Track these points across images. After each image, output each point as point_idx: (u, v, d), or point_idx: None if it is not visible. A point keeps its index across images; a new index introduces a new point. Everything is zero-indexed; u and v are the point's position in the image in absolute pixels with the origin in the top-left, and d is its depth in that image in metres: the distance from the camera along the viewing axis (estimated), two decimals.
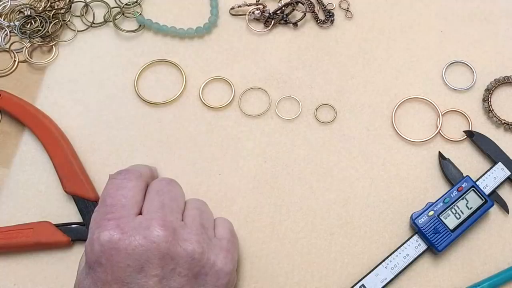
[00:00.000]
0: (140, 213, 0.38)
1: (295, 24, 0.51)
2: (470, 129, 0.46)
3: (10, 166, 0.47)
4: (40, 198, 0.46)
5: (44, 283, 0.43)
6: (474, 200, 0.42)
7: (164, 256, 0.35)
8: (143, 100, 0.49)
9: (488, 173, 0.43)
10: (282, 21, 0.51)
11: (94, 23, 0.52)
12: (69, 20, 0.52)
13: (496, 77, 0.47)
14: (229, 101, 0.48)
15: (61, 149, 0.46)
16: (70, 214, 0.45)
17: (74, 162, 0.46)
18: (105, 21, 0.52)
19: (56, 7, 0.52)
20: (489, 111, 0.46)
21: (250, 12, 0.51)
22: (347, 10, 0.51)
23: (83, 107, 0.49)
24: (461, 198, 0.42)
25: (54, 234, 0.44)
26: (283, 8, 0.51)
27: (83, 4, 0.53)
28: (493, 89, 0.47)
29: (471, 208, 0.42)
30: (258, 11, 0.51)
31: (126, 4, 0.53)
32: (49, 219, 0.44)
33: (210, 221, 0.40)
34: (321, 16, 0.51)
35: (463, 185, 0.42)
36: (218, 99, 0.49)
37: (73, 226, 0.44)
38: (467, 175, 0.43)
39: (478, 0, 0.51)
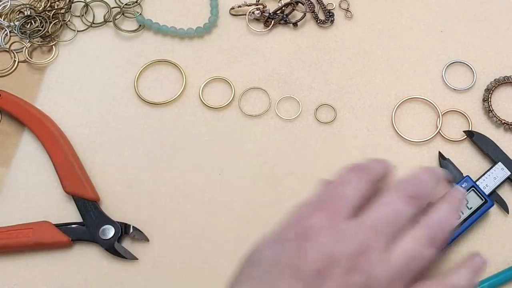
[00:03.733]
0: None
1: (295, 24, 0.51)
2: (470, 129, 0.46)
3: (10, 166, 0.47)
4: (40, 198, 0.46)
5: (44, 283, 0.43)
6: (474, 200, 0.42)
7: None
8: (143, 100, 0.49)
9: (488, 173, 0.43)
10: (282, 21, 0.51)
11: (94, 23, 0.52)
12: (69, 20, 0.52)
13: (496, 77, 0.47)
14: (229, 101, 0.48)
15: (61, 149, 0.46)
16: (70, 214, 0.45)
17: (74, 162, 0.46)
18: (105, 21, 0.52)
19: (56, 7, 0.52)
20: (489, 111, 0.46)
21: (250, 12, 0.51)
22: (347, 10, 0.51)
23: (83, 107, 0.49)
24: None
25: (54, 234, 0.44)
26: (283, 8, 0.51)
27: (83, 4, 0.53)
28: (493, 89, 0.47)
29: (471, 208, 0.42)
30: (258, 11, 0.51)
31: (126, 4, 0.53)
32: (49, 219, 0.44)
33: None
34: (321, 16, 0.51)
35: (463, 185, 0.42)
36: (218, 99, 0.49)
37: (73, 226, 0.44)
38: (467, 175, 0.43)
39: (478, 0, 0.51)
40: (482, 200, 0.42)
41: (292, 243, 0.32)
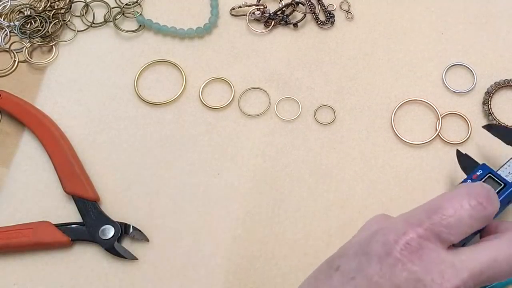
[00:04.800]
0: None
1: (295, 25, 0.51)
2: (469, 132, 0.46)
3: (10, 166, 0.47)
4: (40, 198, 0.46)
5: (44, 283, 0.43)
6: (492, 186, 0.37)
7: None
8: (143, 100, 0.49)
9: (508, 162, 0.41)
10: (283, 22, 0.51)
11: (94, 23, 0.52)
12: (69, 20, 0.52)
13: (496, 80, 0.47)
14: (229, 101, 0.48)
15: (61, 149, 0.46)
16: (70, 214, 0.45)
17: (74, 162, 0.46)
18: (105, 21, 0.52)
19: (56, 7, 0.52)
20: (489, 114, 0.46)
21: (250, 13, 0.51)
22: (347, 11, 0.51)
23: (83, 107, 0.49)
24: None
25: (54, 234, 0.44)
26: (284, 9, 0.51)
27: (83, 4, 0.53)
28: (493, 92, 0.47)
29: None
30: (259, 12, 0.51)
31: (126, 4, 0.53)
32: (49, 219, 0.45)
33: None
34: (322, 17, 0.51)
35: (478, 173, 0.40)
36: (218, 99, 0.49)
37: (73, 226, 0.44)
38: (483, 163, 0.41)
39: (479, 3, 0.51)
40: (501, 184, 0.39)
41: (374, 260, 0.30)
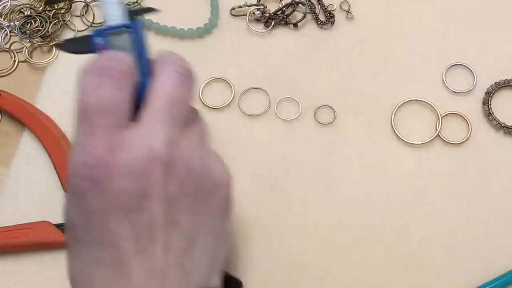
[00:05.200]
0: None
1: (295, 25, 0.51)
2: (470, 132, 0.46)
3: (10, 166, 0.47)
4: (40, 198, 0.46)
5: (44, 283, 0.43)
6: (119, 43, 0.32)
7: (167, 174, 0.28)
8: None
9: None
10: (283, 22, 0.51)
11: (94, 23, 0.52)
12: (69, 20, 0.52)
13: (496, 80, 0.47)
14: (228, 101, 0.48)
15: (61, 149, 0.46)
16: None
17: None
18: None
19: (56, 7, 0.52)
20: (489, 114, 0.46)
21: (250, 13, 0.51)
22: (348, 11, 0.51)
23: None
24: None
25: (54, 234, 0.44)
26: (284, 9, 0.51)
27: (83, 4, 0.53)
28: (493, 92, 0.46)
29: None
30: (259, 12, 0.51)
31: (126, 4, 0.52)
32: (49, 219, 0.44)
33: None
34: (322, 17, 0.51)
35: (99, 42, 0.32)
36: (218, 99, 0.49)
37: None
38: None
39: (479, 3, 0.51)
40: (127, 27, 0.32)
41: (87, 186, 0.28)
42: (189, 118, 0.32)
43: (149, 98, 0.30)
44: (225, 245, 0.34)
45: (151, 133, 0.28)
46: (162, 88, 0.30)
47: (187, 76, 0.32)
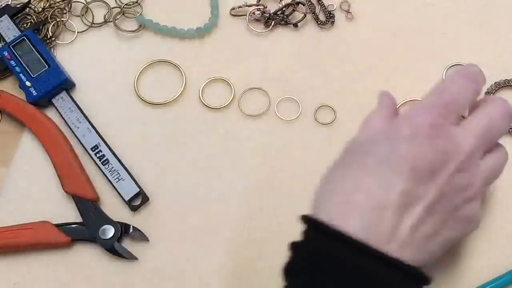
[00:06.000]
0: None
1: (295, 25, 0.51)
2: None
3: (10, 165, 0.47)
4: (40, 198, 0.46)
5: (44, 283, 0.43)
6: None
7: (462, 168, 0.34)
8: (143, 100, 0.49)
9: None
10: (283, 22, 0.51)
11: (94, 23, 0.52)
12: (68, 20, 0.52)
13: (496, 80, 0.47)
14: (228, 101, 0.48)
15: (61, 149, 0.46)
16: (70, 214, 0.45)
17: (74, 162, 0.46)
18: (105, 21, 0.52)
19: (55, 7, 0.52)
20: None
21: (250, 13, 0.51)
22: (348, 11, 0.51)
23: (83, 107, 0.49)
24: None
25: (54, 234, 0.44)
26: (284, 9, 0.51)
27: (83, 4, 0.53)
28: (493, 92, 0.47)
29: None
30: (259, 12, 0.51)
31: (126, 4, 0.53)
32: (49, 219, 0.45)
33: None
34: (322, 17, 0.51)
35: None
36: (218, 99, 0.49)
37: (73, 226, 0.44)
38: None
39: (479, 3, 0.51)
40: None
41: (406, 141, 0.33)
42: (492, 148, 0.37)
43: (475, 114, 0.37)
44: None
45: (468, 133, 0.35)
46: (488, 112, 0.36)
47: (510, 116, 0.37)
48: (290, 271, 0.33)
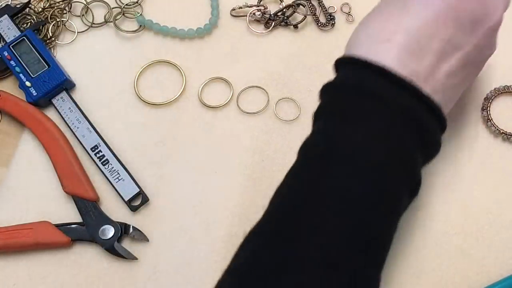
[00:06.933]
0: None
1: (295, 26, 0.51)
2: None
3: (10, 166, 0.47)
4: (40, 198, 0.46)
5: (44, 283, 0.44)
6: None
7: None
8: (143, 100, 0.49)
9: None
10: (283, 23, 0.51)
11: (94, 24, 0.52)
12: (68, 20, 0.52)
13: (496, 86, 0.47)
14: (228, 100, 0.48)
15: (61, 149, 0.46)
16: (70, 214, 0.45)
17: (74, 162, 0.46)
18: (106, 22, 0.52)
19: (55, 7, 0.52)
20: (488, 120, 0.46)
21: (251, 13, 0.51)
22: (348, 14, 0.51)
23: (82, 107, 0.49)
24: None
25: (54, 234, 0.44)
26: (284, 10, 0.51)
27: (83, 4, 0.52)
28: (492, 98, 0.47)
29: None
30: (259, 13, 0.51)
31: (126, 5, 0.52)
32: (49, 219, 0.45)
33: None
34: (322, 19, 0.51)
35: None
36: (217, 99, 0.49)
37: (73, 226, 0.45)
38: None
39: None
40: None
41: None
42: None
43: None
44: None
45: None
46: None
47: None
48: (324, 113, 0.34)
